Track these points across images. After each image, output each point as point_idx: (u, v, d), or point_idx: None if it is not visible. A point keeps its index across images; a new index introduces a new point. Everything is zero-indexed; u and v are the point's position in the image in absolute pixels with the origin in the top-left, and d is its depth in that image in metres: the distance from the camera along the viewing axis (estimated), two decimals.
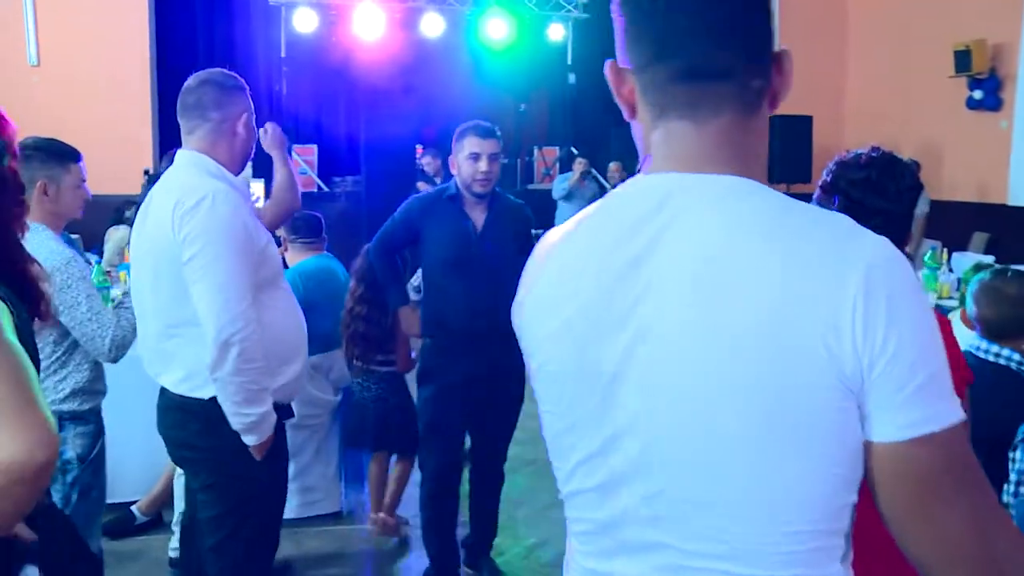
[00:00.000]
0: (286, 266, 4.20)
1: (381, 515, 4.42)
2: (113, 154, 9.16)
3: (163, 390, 2.69)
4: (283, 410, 2.71)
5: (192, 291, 2.48)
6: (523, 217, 3.77)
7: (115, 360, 3.03)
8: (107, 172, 9.01)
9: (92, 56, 9.42)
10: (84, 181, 3.11)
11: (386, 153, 10.31)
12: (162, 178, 2.70)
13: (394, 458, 4.43)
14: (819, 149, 10.04)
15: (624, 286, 1.06)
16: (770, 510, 1.02)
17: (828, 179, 2.10)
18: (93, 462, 3.11)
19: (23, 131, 8.36)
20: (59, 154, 3.00)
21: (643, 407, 1.05)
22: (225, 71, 2.75)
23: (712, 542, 1.04)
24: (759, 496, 1.02)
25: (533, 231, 3.65)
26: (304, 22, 10.33)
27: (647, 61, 1.09)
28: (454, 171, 3.67)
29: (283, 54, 10.73)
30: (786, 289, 0.98)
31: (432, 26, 10.65)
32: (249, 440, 2.55)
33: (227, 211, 2.50)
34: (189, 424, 2.62)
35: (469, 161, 3.57)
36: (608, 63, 1.14)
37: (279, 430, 2.68)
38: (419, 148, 10.23)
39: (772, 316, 0.98)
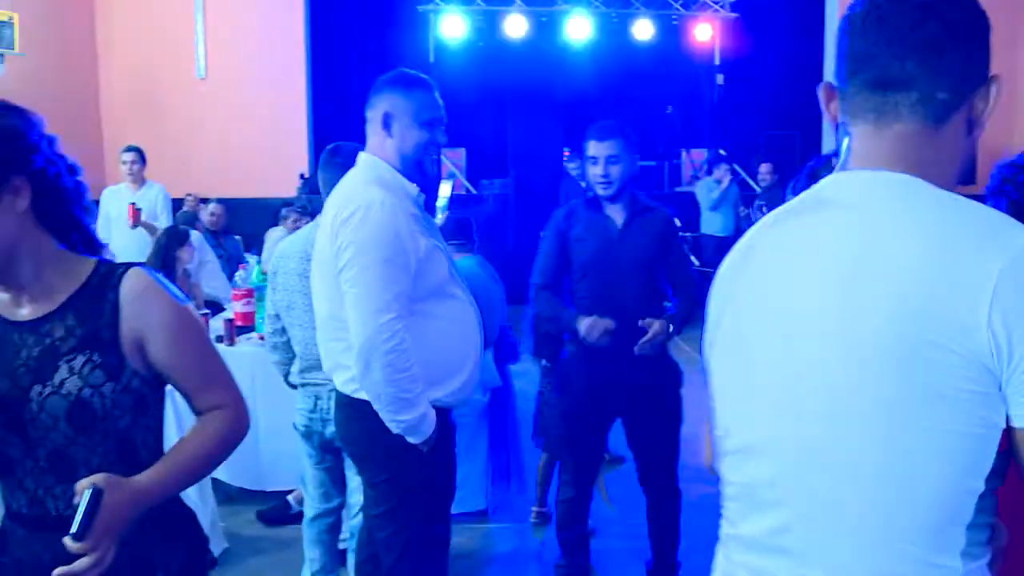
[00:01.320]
0: None
1: (537, 508, 4.58)
2: (272, 160, 9.63)
3: (336, 388, 2.74)
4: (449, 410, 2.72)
5: (345, 300, 2.51)
6: (663, 219, 3.63)
7: None
8: (267, 177, 9.48)
9: (254, 69, 9.92)
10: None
11: (533, 156, 10.40)
12: (342, 180, 2.71)
13: None
14: (984, 151, 9.51)
15: (789, 275, 1.20)
16: (896, 491, 1.09)
17: (994, 182, 2.11)
18: None
19: (191, 138, 8.88)
20: None
21: (788, 391, 1.17)
22: (405, 69, 2.77)
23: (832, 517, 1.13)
24: (888, 470, 1.09)
25: (681, 234, 3.59)
26: (452, 28, 10.55)
27: (847, 76, 1.22)
28: None
29: (431, 59, 10.98)
30: (933, 278, 1.05)
31: (578, 29, 10.68)
32: (411, 440, 2.57)
33: (380, 222, 2.47)
34: (356, 422, 2.66)
35: (590, 164, 3.55)
36: (822, 84, 1.27)
37: (446, 426, 2.67)
38: (566, 151, 10.25)
39: (917, 304, 1.05)
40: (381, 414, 2.52)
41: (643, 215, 3.57)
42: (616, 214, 3.57)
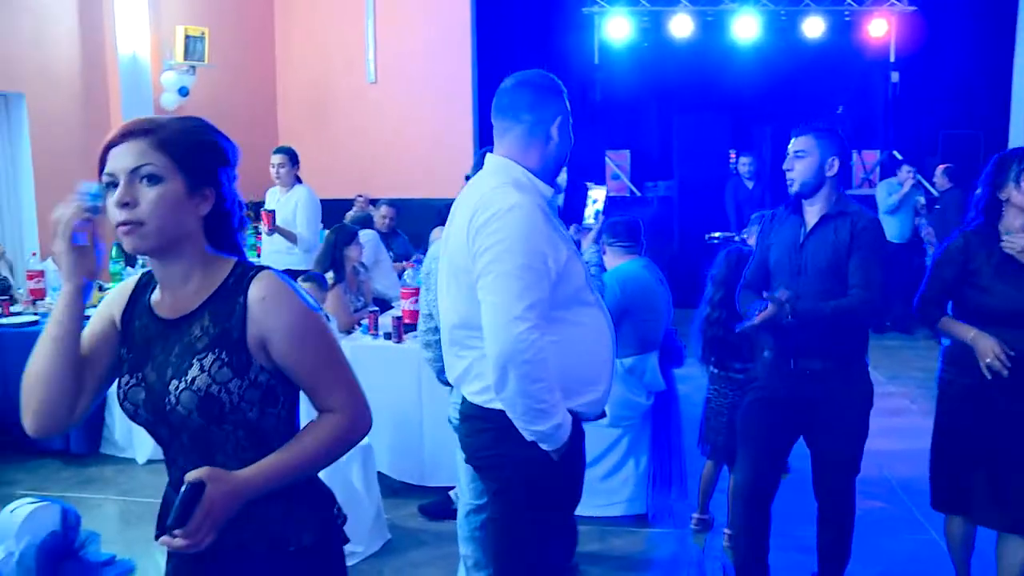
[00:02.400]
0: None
1: (698, 515, 4.51)
2: (439, 161, 9.87)
3: (462, 397, 2.68)
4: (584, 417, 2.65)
5: (481, 307, 2.42)
6: (857, 223, 3.35)
7: None
8: (434, 177, 9.72)
9: (422, 73, 10.16)
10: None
11: (699, 157, 10.25)
12: (469, 183, 2.66)
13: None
14: None
15: None
16: None
17: None
18: None
19: (362, 142, 9.18)
20: None
21: None
22: (542, 72, 2.62)
23: None
24: None
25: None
26: (617, 29, 10.52)
27: None
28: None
29: (596, 61, 10.97)
30: None
31: (745, 28, 10.44)
32: (544, 447, 2.47)
33: (520, 227, 2.38)
34: (484, 433, 2.59)
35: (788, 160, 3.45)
36: None
37: (577, 435, 2.58)
38: (732, 152, 10.05)
39: None
40: (516, 423, 2.44)
41: (835, 219, 3.37)
42: (812, 217, 3.41)
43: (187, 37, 8.68)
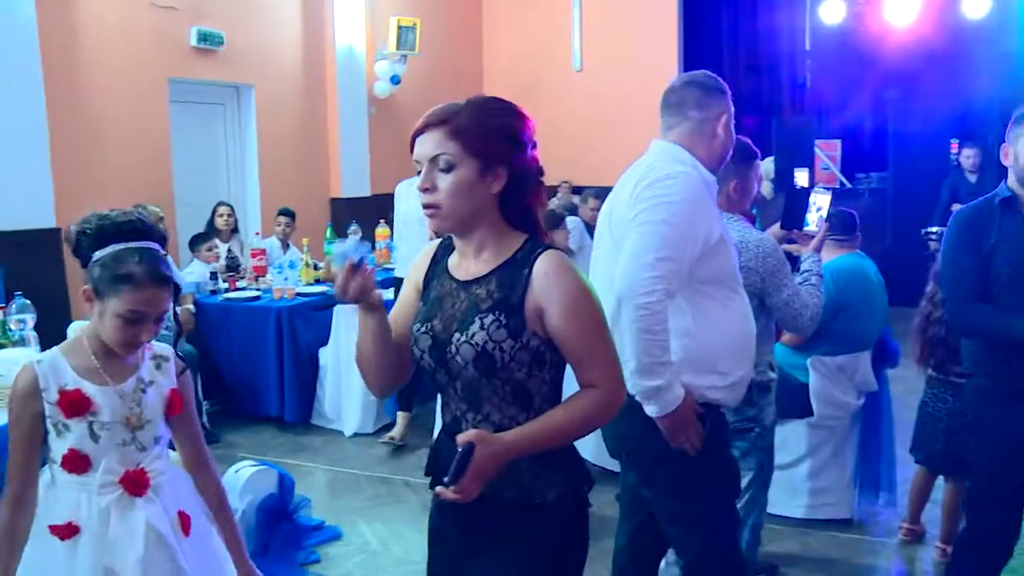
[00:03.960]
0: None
1: (908, 525, 4.29)
2: (644, 149, 9.77)
3: None
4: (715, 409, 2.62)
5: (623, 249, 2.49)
6: None
7: (811, 332, 3.42)
8: None
9: (627, 60, 10.11)
10: (760, 179, 3.48)
11: (916, 148, 9.69)
12: (632, 166, 2.74)
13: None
14: None
15: None
16: None
17: None
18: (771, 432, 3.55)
19: (567, 129, 9.27)
20: (744, 154, 3.28)
21: None
22: (708, 73, 2.77)
23: None
24: None
25: None
26: (831, 13, 10.06)
27: None
28: (1006, 161, 3.02)
29: (807, 46, 10.57)
30: None
31: (973, 8, 9.75)
32: (649, 410, 2.47)
33: (679, 191, 2.48)
34: (627, 419, 2.47)
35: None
36: None
37: (719, 424, 2.63)
38: (954, 143, 9.44)
39: None
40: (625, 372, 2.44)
41: None
42: None
43: (400, 28, 9.03)
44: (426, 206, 1.88)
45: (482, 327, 1.84)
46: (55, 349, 2.22)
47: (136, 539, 2.15)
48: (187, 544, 2.25)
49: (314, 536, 4.36)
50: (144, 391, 2.22)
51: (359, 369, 2.00)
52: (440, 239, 2.08)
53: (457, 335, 1.87)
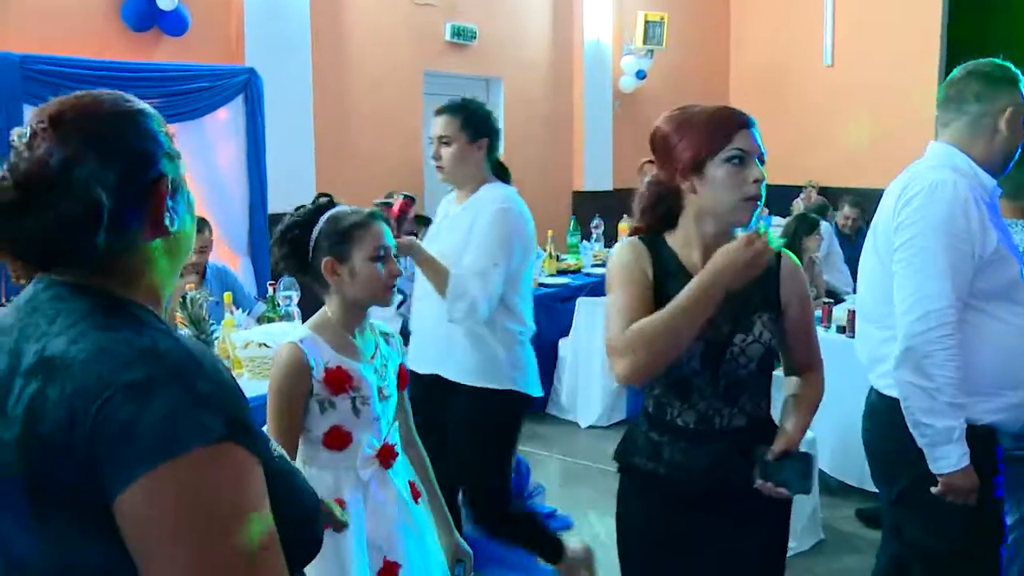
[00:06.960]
0: None
1: None
2: (896, 149, 9.22)
3: (870, 388, 2.56)
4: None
5: (895, 280, 2.34)
6: None
7: None
8: (893, 166, 9.13)
9: (882, 55, 9.52)
10: None
11: None
12: (907, 168, 2.56)
13: None
14: None
15: None
16: None
17: None
18: None
19: (816, 127, 8.91)
20: None
21: None
22: (998, 61, 2.48)
23: None
24: None
25: None
26: None
27: None
28: None
29: None
30: None
31: None
32: (932, 465, 2.26)
33: (948, 203, 2.27)
34: (887, 425, 2.43)
35: None
36: None
37: (989, 453, 2.35)
38: None
39: None
40: (906, 414, 2.29)
41: None
42: None
43: (647, 22, 9.00)
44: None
45: (763, 326, 2.02)
46: (306, 328, 2.28)
47: (391, 509, 2.25)
48: (419, 512, 2.35)
49: (547, 524, 4.42)
50: (386, 365, 2.32)
51: (664, 355, 1.92)
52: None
53: (740, 335, 2.00)
